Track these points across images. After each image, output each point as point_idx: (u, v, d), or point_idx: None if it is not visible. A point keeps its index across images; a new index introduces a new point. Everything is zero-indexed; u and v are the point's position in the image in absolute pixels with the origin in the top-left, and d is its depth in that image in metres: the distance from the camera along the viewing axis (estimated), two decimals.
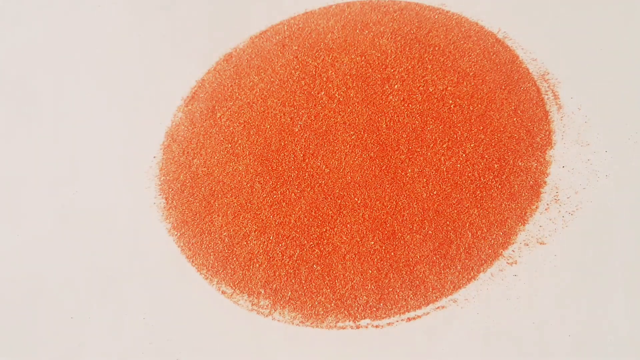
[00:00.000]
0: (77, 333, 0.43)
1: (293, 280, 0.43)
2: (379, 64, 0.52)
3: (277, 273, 0.44)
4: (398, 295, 0.42)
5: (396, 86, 0.50)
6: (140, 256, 0.46)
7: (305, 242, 0.45)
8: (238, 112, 0.51)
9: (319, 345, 0.41)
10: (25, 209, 0.49)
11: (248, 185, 0.48)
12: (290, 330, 0.42)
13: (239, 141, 0.50)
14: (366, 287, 0.42)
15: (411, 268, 0.43)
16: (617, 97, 0.47)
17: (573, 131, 0.46)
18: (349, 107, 0.50)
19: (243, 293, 0.43)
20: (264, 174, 0.48)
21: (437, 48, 0.52)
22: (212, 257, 0.45)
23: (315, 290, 0.43)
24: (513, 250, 0.42)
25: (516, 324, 0.39)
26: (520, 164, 0.45)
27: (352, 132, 0.49)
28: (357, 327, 0.41)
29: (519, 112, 0.48)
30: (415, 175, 0.46)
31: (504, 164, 0.46)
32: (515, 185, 0.45)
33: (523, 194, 0.44)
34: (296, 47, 0.54)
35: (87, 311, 0.44)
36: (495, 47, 0.51)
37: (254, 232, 0.45)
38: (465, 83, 0.50)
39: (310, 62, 0.53)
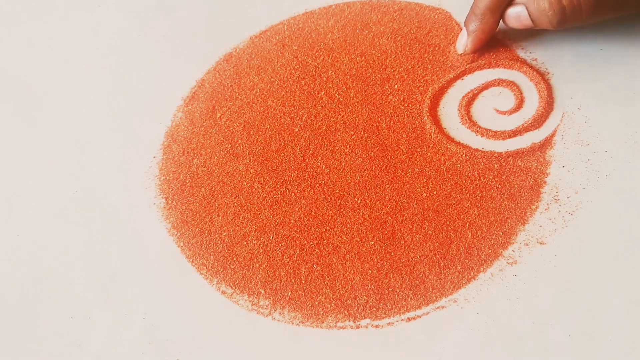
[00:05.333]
0: (77, 333, 0.43)
1: (293, 280, 0.43)
2: (379, 64, 0.52)
3: (277, 273, 0.44)
4: (398, 295, 0.42)
5: (396, 86, 0.51)
6: (140, 256, 0.46)
7: (305, 242, 0.45)
8: (238, 112, 0.51)
9: (319, 345, 0.41)
10: (26, 209, 0.49)
11: (248, 185, 0.48)
12: (290, 330, 0.42)
13: (239, 141, 0.50)
14: (366, 287, 0.42)
15: (411, 268, 0.43)
16: (617, 97, 0.47)
17: (573, 131, 0.46)
18: (349, 107, 0.50)
19: (243, 293, 0.43)
20: (264, 174, 0.48)
21: (437, 48, 0.52)
22: (212, 257, 0.45)
23: (315, 290, 0.43)
24: (513, 250, 0.42)
25: (516, 324, 0.39)
26: (520, 164, 0.46)
27: (352, 132, 0.49)
28: (357, 327, 0.41)
29: None
30: (415, 175, 0.46)
31: (504, 164, 0.46)
32: (515, 185, 0.45)
33: (523, 194, 0.44)
34: (296, 47, 0.54)
35: (87, 311, 0.44)
36: (496, 47, 0.51)
37: (254, 232, 0.46)
38: None
39: (310, 62, 0.53)
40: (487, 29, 0.49)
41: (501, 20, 0.48)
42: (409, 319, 0.41)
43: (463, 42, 0.50)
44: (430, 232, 0.44)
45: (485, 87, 0.49)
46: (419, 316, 0.41)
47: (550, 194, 0.44)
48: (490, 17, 0.48)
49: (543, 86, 0.48)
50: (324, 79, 0.52)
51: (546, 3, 0.44)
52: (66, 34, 0.60)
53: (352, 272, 0.43)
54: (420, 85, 0.50)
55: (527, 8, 0.45)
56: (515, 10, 0.46)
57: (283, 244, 0.45)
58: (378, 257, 0.43)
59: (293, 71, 0.53)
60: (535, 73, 0.49)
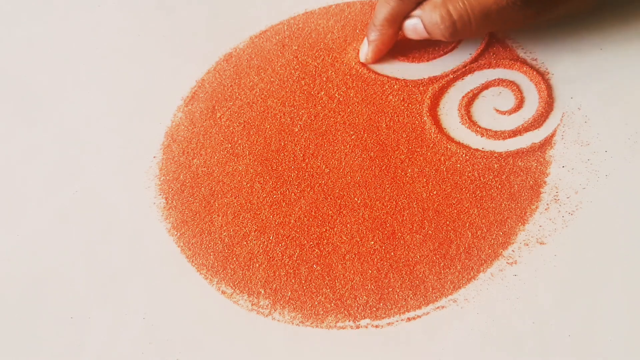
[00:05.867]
0: (77, 333, 0.43)
1: (293, 280, 0.43)
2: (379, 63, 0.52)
3: (277, 273, 0.44)
4: (398, 295, 0.42)
5: (396, 86, 0.51)
6: (140, 256, 0.46)
7: (305, 242, 0.45)
8: (238, 112, 0.51)
9: (318, 345, 0.41)
10: (26, 209, 0.49)
11: (248, 185, 0.48)
12: (290, 330, 0.42)
13: (239, 141, 0.50)
14: (366, 287, 0.42)
15: (411, 268, 0.43)
16: (617, 97, 0.47)
17: (573, 131, 0.46)
18: (349, 107, 0.50)
19: (243, 293, 0.43)
20: (264, 174, 0.48)
21: (437, 48, 0.52)
22: (212, 257, 0.45)
23: (315, 290, 0.43)
24: (513, 250, 0.42)
25: (516, 324, 0.40)
26: (520, 164, 0.46)
27: (352, 132, 0.49)
28: (357, 327, 0.41)
29: None
30: (415, 175, 0.46)
31: (504, 164, 0.46)
32: (515, 185, 0.45)
33: (523, 194, 0.44)
34: (296, 47, 0.54)
35: (87, 311, 0.44)
36: (496, 46, 0.51)
37: (254, 232, 0.46)
38: None
39: (310, 62, 0.53)
40: (386, 40, 0.50)
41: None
42: (409, 319, 0.41)
43: (364, 52, 0.51)
44: (430, 232, 0.44)
45: (485, 87, 0.49)
46: (419, 316, 0.41)
47: (550, 194, 0.44)
48: (389, 28, 0.49)
49: (543, 86, 0.48)
50: (324, 79, 0.52)
51: (438, 17, 0.46)
52: (66, 34, 0.60)
53: (352, 272, 0.43)
54: (420, 85, 0.50)
55: (422, 21, 0.47)
56: (411, 22, 0.48)
57: (283, 244, 0.45)
58: (378, 257, 0.43)
59: (293, 71, 0.53)
60: (535, 73, 0.49)
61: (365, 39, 0.51)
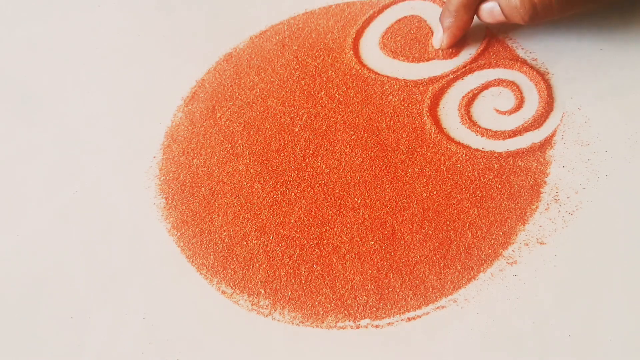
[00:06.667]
0: (77, 333, 0.43)
1: (293, 280, 0.43)
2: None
3: (277, 273, 0.44)
4: (398, 295, 0.42)
5: (396, 86, 0.51)
6: (140, 256, 0.46)
7: (305, 242, 0.45)
8: (238, 112, 0.51)
9: (318, 345, 0.41)
10: (26, 209, 0.49)
11: (248, 185, 0.48)
12: (290, 330, 0.42)
13: (239, 141, 0.50)
14: (366, 287, 0.42)
15: (411, 268, 0.43)
16: (617, 97, 0.47)
17: (573, 131, 0.46)
18: (349, 107, 0.50)
19: (243, 293, 0.43)
20: (264, 174, 0.48)
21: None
22: (212, 257, 0.45)
23: (315, 290, 0.43)
24: (513, 250, 0.42)
25: (516, 324, 0.39)
26: (520, 164, 0.46)
27: (352, 132, 0.49)
28: (357, 327, 0.41)
29: None
30: (415, 175, 0.46)
31: (504, 164, 0.46)
32: (515, 185, 0.45)
33: (523, 194, 0.44)
34: (296, 47, 0.54)
35: (87, 311, 0.44)
36: (496, 46, 0.51)
37: (254, 232, 0.46)
38: None
39: (310, 62, 0.53)
40: (461, 25, 0.50)
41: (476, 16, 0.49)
42: (409, 319, 0.41)
43: (439, 38, 0.51)
44: (430, 232, 0.44)
45: (485, 87, 0.49)
46: (419, 316, 0.41)
47: (550, 194, 0.44)
48: (464, 13, 0.49)
49: (543, 86, 0.48)
50: (324, 79, 0.52)
51: (517, 0, 0.45)
52: (66, 34, 0.60)
53: (352, 272, 0.43)
54: (420, 85, 0.50)
55: (499, 4, 0.47)
56: (488, 5, 0.47)
57: (283, 244, 0.45)
58: (378, 257, 0.43)
59: (293, 71, 0.53)
60: (535, 73, 0.49)
61: (439, 25, 0.51)
